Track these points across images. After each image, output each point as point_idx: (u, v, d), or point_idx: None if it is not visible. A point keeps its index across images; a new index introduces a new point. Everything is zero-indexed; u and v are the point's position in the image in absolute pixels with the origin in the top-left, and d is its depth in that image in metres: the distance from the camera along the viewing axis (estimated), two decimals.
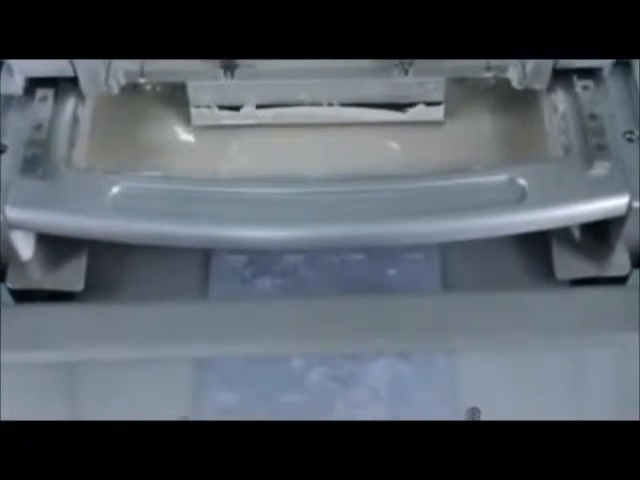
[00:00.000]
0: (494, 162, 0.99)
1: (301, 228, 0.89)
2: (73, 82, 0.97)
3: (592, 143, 0.91)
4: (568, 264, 0.95)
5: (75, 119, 0.98)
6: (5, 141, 0.94)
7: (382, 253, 0.97)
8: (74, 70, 0.95)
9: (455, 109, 1.03)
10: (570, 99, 0.97)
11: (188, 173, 0.99)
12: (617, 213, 0.90)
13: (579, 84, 0.97)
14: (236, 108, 1.02)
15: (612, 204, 0.89)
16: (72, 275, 0.95)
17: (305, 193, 0.91)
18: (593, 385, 0.91)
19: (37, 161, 0.91)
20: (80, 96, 0.98)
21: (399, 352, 0.91)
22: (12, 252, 0.92)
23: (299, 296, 0.95)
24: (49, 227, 0.91)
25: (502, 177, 0.91)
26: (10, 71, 0.95)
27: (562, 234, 0.96)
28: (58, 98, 0.97)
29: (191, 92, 1.00)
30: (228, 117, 1.02)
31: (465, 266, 0.97)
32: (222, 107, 1.02)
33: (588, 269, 0.95)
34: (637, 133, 0.94)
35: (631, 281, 0.95)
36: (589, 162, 0.90)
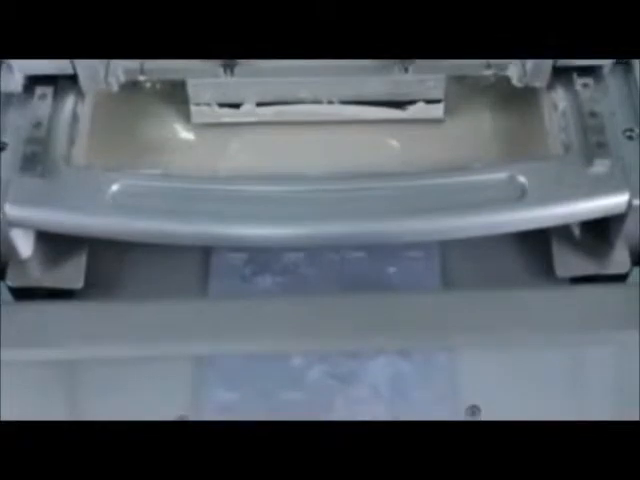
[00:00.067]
0: (494, 160, 0.99)
1: (301, 226, 0.89)
2: (73, 80, 0.96)
3: (592, 141, 0.92)
4: (568, 262, 0.95)
5: (75, 117, 0.97)
6: (5, 139, 0.94)
7: (382, 251, 0.97)
8: (74, 68, 0.95)
9: (455, 107, 1.03)
10: (570, 97, 0.97)
11: (188, 171, 0.99)
12: (617, 211, 0.90)
13: (579, 82, 0.97)
14: (236, 106, 1.02)
15: (612, 202, 0.89)
16: (72, 273, 0.95)
17: (305, 191, 0.91)
18: (593, 383, 0.91)
19: (37, 159, 0.91)
20: (80, 94, 0.98)
21: (399, 350, 0.91)
22: (12, 250, 0.92)
23: (299, 294, 0.95)
24: (49, 225, 0.91)
25: (502, 175, 0.91)
26: (10, 69, 0.95)
27: (562, 232, 0.96)
28: (58, 96, 0.97)
29: (191, 90, 1.00)
30: (228, 115, 1.02)
31: (465, 264, 0.97)
32: (222, 105, 1.01)
33: (588, 267, 0.95)
34: (637, 131, 0.94)
35: (631, 279, 0.95)
36: (589, 160, 0.90)
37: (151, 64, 0.97)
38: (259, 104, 1.01)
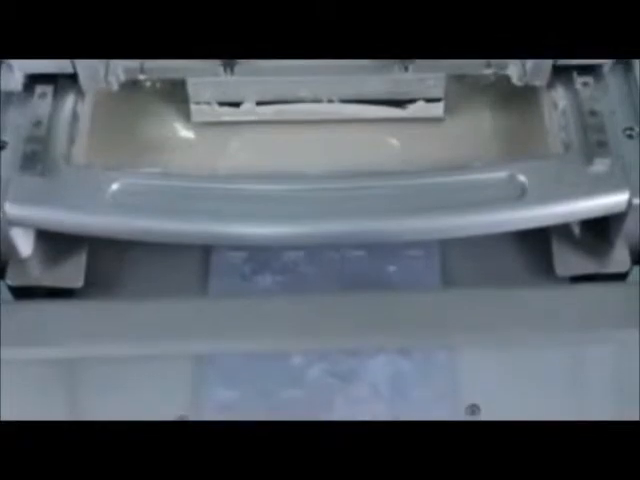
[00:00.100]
0: (494, 159, 0.99)
1: (301, 224, 0.89)
2: (72, 79, 0.96)
3: (592, 140, 0.92)
4: (568, 261, 0.95)
5: (74, 116, 0.97)
6: (5, 137, 0.94)
7: (382, 249, 0.98)
8: (74, 67, 0.95)
9: (455, 106, 1.03)
10: (570, 96, 0.97)
11: (188, 170, 0.99)
12: (617, 210, 0.90)
13: (579, 81, 0.97)
14: (236, 105, 1.01)
15: (612, 201, 0.89)
16: (72, 272, 0.95)
17: (305, 190, 0.91)
18: (593, 382, 0.91)
19: (37, 158, 0.91)
20: (79, 93, 0.98)
21: (399, 348, 0.91)
22: (12, 249, 0.92)
23: (299, 292, 0.95)
24: (49, 224, 0.91)
25: (502, 174, 0.91)
26: (10, 67, 0.95)
27: (562, 231, 0.96)
28: (57, 95, 0.97)
29: (191, 88, 1.00)
30: (228, 114, 1.02)
31: (465, 263, 0.97)
32: (222, 104, 1.01)
33: (588, 266, 0.95)
34: (637, 129, 0.94)
35: (631, 278, 0.95)
36: (589, 159, 0.90)
37: (151, 63, 0.97)
38: (259, 103, 1.01)
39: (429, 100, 1.01)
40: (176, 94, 1.02)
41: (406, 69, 0.97)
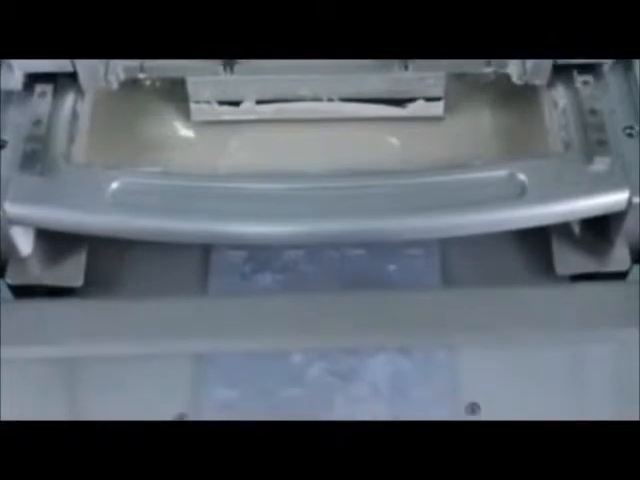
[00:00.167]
0: (494, 157, 0.99)
1: (301, 223, 0.89)
2: (72, 77, 0.96)
3: (592, 138, 0.91)
4: (568, 259, 0.95)
5: (74, 114, 0.97)
6: (5, 136, 0.94)
7: (382, 248, 0.97)
8: (73, 66, 0.95)
9: (455, 104, 1.03)
10: (570, 94, 0.97)
11: (188, 169, 0.99)
12: (617, 208, 0.90)
13: (579, 79, 0.97)
14: (236, 103, 1.01)
15: (612, 199, 0.89)
16: (71, 271, 0.95)
17: (305, 188, 0.91)
18: (593, 381, 0.91)
19: (36, 157, 0.91)
20: (79, 91, 0.98)
21: (399, 347, 0.91)
22: (11, 248, 0.92)
23: (299, 291, 0.95)
24: (48, 222, 0.91)
25: (502, 172, 0.91)
26: (10, 67, 0.95)
27: (562, 229, 0.96)
28: (57, 93, 0.97)
29: (191, 87, 1.00)
30: (228, 112, 1.02)
31: (465, 261, 0.97)
32: (222, 102, 1.01)
33: (588, 264, 0.95)
34: (637, 128, 0.94)
35: (631, 276, 0.95)
36: (589, 157, 0.90)
37: (151, 62, 0.97)
38: (259, 102, 1.01)
39: (429, 99, 1.01)
40: (176, 93, 1.02)
41: (406, 68, 0.97)
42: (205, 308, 0.90)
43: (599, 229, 0.95)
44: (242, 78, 0.98)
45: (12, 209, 0.89)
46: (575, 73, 0.97)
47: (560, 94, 0.98)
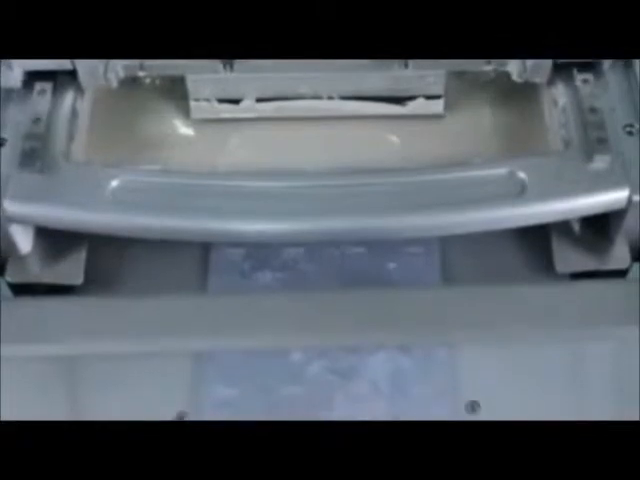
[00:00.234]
0: (494, 155, 0.99)
1: (301, 221, 0.89)
2: (72, 75, 0.96)
3: (592, 136, 0.91)
4: (568, 257, 0.95)
5: (74, 112, 0.97)
6: (4, 134, 0.93)
7: (382, 246, 0.97)
8: (73, 64, 0.95)
9: (455, 102, 1.03)
10: (570, 92, 0.97)
11: (187, 167, 0.99)
12: (617, 206, 0.90)
13: (579, 78, 0.97)
14: (235, 101, 1.02)
15: (612, 197, 0.89)
16: (71, 269, 0.95)
17: (305, 186, 0.91)
18: (593, 379, 0.91)
19: (36, 155, 0.91)
20: (79, 89, 0.98)
21: (399, 345, 0.91)
22: (11, 246, 0.92)
23: (299, 289, 0.95)
24: (48, 221, 0.91)
25: (502, 170, 0.91)
26: (9, 64, 0.95)
27: (562, 227, 0.96)
28: (57, 91, 0.97)
29: (190, 85, 1.00)
30: (227, 110, 1.02)
31: (465, 259, 0.97)
32: (221, 100, 1.01)
33: (588, 262, 0.95)
34: (637, 126, 0.94)
35: (631, 274, 0.95)
36: (589, 155, 0.90)
37: (150, 60, 0.97)
38: (259, 100, 1.01)
39: (429, 97, 1.01)
40: (175, 91, 1.03)
41: (406, 66, 0.97)
42: (205, 306, 0.90)
43: (599, 227, 0.95)
44: (242, 76, 0.99)
45: (11, 207, 0.89)
46: (575, 71, 0.97)
47: (560, 92, 0.98)
